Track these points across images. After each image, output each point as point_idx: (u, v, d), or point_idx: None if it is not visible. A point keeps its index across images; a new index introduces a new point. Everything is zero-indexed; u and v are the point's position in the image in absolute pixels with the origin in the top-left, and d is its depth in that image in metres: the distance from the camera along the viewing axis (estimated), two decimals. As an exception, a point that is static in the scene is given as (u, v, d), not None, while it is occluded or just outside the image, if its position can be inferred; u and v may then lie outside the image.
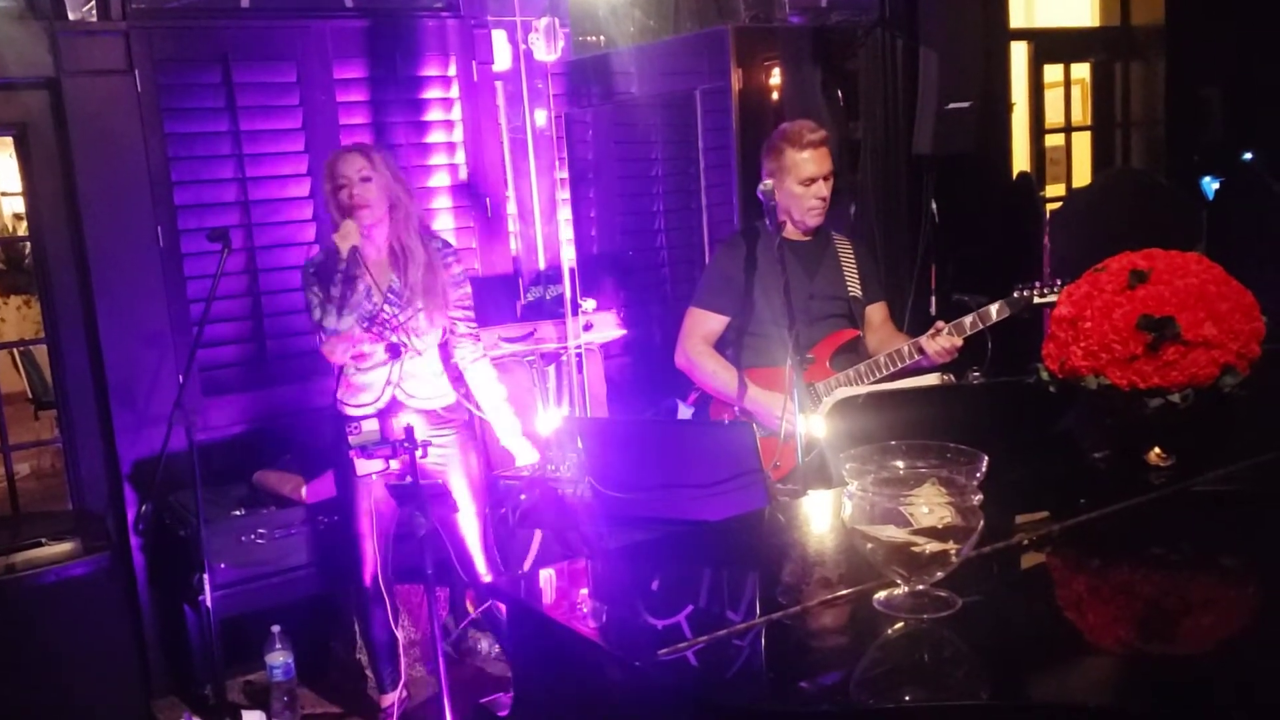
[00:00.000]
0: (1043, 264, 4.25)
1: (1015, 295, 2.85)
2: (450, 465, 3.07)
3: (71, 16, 3.42)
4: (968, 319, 2.84)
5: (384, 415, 2.96)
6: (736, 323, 3.01)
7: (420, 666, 3.57)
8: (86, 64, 3.37)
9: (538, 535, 3.21)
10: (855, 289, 3.06)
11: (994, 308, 2.85)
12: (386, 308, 2.96)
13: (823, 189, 2.94)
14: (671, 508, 2.23)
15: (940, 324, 2.86)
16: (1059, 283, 2.79)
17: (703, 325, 3.03)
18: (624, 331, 4.04)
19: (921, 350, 2.84)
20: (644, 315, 4.55)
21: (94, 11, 3.46)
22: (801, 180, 2.92)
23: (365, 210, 2.91)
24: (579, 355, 3.87)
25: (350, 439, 2.75)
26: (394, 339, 2.97)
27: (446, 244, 3.13)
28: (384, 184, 2.93)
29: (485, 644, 3.64)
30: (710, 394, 3.07)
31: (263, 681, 3.43)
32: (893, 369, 2.89)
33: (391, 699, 3.23)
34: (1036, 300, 2.82)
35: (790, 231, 2.99)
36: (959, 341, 2.83)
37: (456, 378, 3.16)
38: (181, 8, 3.65)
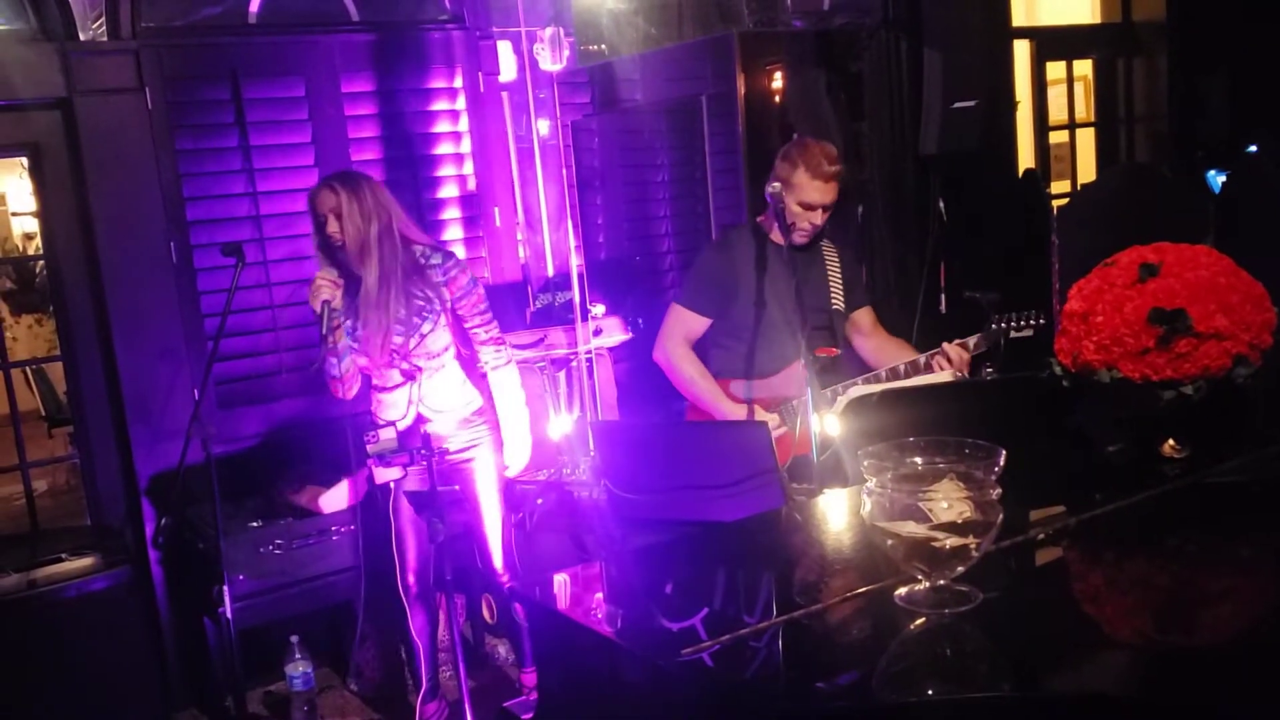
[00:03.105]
0: (1051, 261, 4.25)
1: (993, 327, 2.96)
2: (477, 463, 3.06)
3: (82, 37, 3.46)
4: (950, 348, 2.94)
5: (412, 429, 2.94)
6: (711, 329, 3.02)
7: (445, 670, 3.58)
8: (97, 83, 3.41)
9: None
10: (838, 301, 3.07)
11: (971, 340, 2.94)
12: (396, 339, 2.89)
13: (818, 217, 2.95)
14: (687, 509, 2.24)
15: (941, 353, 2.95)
16: (1037, 315, 2.96)
17: (685, 324, 3.02)
18: (632, 335, 4.05)
19: (927, 366, 2.91)
20: (652, 319, 4.55)
21: (104, 31, 3.49)
22: (801, 203, 2.93)
23: (340, 250, 2.85)
24: (589, 360, 3.89)
25: (368, 448, 2.77)
26: (405, 365, 2.93)
27: (449, 255, 2.99)
28: (353, 219, 2.81)
29: (503, 650, 3.66)
30: (685, 397, 3.08)
31: (283, 692, 3.45)
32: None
33: (433, 708, 3.22)
34: (1014, 334, 2.94)
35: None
36: (967, 356, 2.92)
37: (480, 378, 3.12)
38: (190, 25, 3.68)
